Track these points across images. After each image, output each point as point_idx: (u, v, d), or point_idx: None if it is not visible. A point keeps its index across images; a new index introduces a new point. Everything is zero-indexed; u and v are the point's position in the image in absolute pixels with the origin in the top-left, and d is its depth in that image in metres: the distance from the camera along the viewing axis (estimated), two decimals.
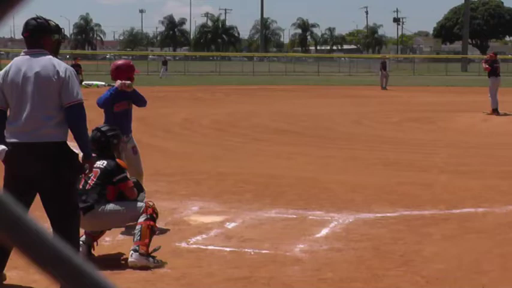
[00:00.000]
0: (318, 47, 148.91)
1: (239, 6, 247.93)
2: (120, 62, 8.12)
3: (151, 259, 5.97)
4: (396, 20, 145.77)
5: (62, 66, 5.16)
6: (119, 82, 7.54)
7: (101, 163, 6.26)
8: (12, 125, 5.13)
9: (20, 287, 5.43)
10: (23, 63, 5.18)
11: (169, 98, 28.14)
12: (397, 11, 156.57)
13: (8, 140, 5.14)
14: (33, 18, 5.31)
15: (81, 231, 6.37)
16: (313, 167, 11.59)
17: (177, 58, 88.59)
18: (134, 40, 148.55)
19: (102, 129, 6.61)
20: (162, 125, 17.82)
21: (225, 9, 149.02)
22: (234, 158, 12.71)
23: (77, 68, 28.04)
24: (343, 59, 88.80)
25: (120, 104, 7.53)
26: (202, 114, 21.36)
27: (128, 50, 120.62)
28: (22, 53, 5.29)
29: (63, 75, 5.11)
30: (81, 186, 6.16)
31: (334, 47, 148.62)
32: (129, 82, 7.51)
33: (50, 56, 5.22)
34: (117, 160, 6.45)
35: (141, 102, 7.70)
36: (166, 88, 33.20)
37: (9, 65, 5.30)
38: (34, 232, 0.63)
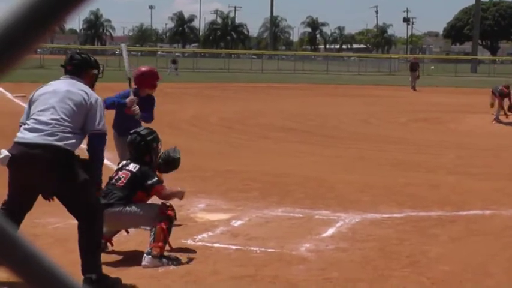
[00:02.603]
0: (327, 46, 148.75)
1: (249, 3, 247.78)
2: (144, 68, 8.03)
3: (164, 260, 5.96)
4: (406, 20, 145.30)
5: (94, 96, 5.43)
6: (130, 100, 7.43)
7: (133, 166, 6.26)
8: (27, 127, 5.22)
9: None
10: (57, 83, 5.49)
11: (177, 95, 28.14)
12: (407, 10, 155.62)
13: (16, 140, 5.20)
14: (78, 53, 5.69)
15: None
16: (320, 166, 11.58)
17: (186, 55, 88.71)
18: (143, 36, 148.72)
19: (142, 132, 6.50)
20: (170, 121, 17.83)
21: (235, 7, 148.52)
22: (241, 155, 12.71)
23: None
24: (352, 58, 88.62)
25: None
26: (210, 112, 21.36)
27: (137, 46, 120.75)
28: (61, 78, 5.57)
29: (92, 102, 5.35)
30: (112, 181, 6.20)
31: (344, 46, 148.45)
32: (137, 110, 7.39)
33: (85, 85, 5.49)
34: (156, 171, 6.41)
35: (146, 120, 7.61)
36: (174, 85, 33.18)
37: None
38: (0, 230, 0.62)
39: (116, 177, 6.26)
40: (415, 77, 38.47)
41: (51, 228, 7.07)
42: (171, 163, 6.81)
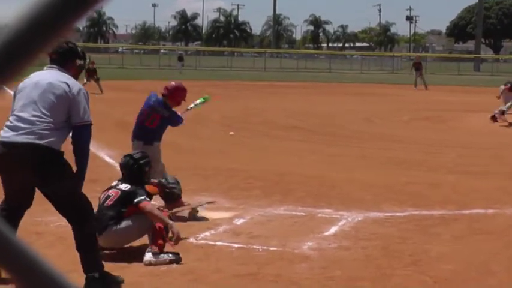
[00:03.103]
0: (330, 44, 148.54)
1: (252, 1, 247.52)
2: (179, 84, 8.42)
3: (165, 256, 6.01)
4: (409, 18, 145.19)
5: (76, 87, 5.27)
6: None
7: (124, 186, 6.33)
8: (9, 124, 5.12)
9: None
10: (40, 74, 5.33)
11: None
12: (410, 9, 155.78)
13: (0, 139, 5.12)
14: (65, 42, 5.46)
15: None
16: (323, 165, 11.57)
17: (189, 53, 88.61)
18: (146, 34, 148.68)
19: (135, 156, 6.66)
20: None
21: (238, 5, 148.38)
22: (243, 154, 12.70)
23: (93, 72, 27.87)
24: (355, 56, 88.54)
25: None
26: (212, 110, 21.33)
27: (139, 44, 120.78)
28: (44, 68, 5.44)
29: (75, 94, 5.21)
30: (100, 202, 6.26)
31: (346, 45, 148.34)
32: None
33: (69, 76, 5.35)
34: (146, 187, 6.53)
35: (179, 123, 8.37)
36: None
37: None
38: None
39: (105, 196, 6.33)
40: (418, 76, 38.46)
41: (53, 227, 7.07)
42: (171, 196, 6.97)
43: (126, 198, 6.23)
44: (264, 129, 16.81)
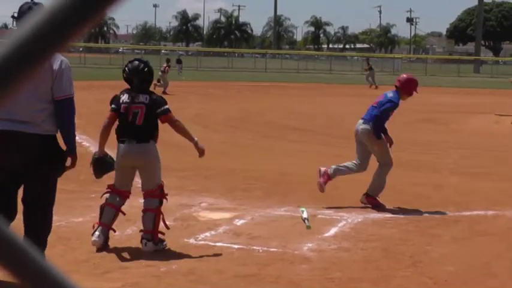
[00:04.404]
0: (331, 45, 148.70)
1: (253, 2, 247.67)
2: (409, 75, 9.37)
3: (160, 244, 6.26)
4: (409, 20, 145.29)
5: (57, 59, 5.01)
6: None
7: (144, 98, 6.31)
8: (1, 113, 4.94)
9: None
10: None
11: (181, 93, 28.11)
12: (410, 10, 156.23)
13: None
14: (27, 2, 5.16)
15: (95, 222, 6.38)
16: (324, 165, 11.52)
17: (190, 53, 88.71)
18: (147, 34, 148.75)
19: (143, 59, 6.67)
20: None
21: (239, 6, 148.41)
22: (244, 154, 12.68)
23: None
24: (355, 57, 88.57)
25: None
26: (214, 110, 21.36)
27: (140, 44, 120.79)
28: None
29: (56, 68, 5.00)
30: (129, 118, 6.22)
31: (347, 46, 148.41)
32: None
33: None
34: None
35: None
36: (178, 83, 33.16)
37: None
38: None
39: (131, 113, 6.25)
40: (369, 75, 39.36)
41: (53, 227, 7.03)
42: (105, 165, 6.48)
43: (151, 111, 6.25)
44: (265, 130, 16.80)
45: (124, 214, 6.46)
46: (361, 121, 8.74)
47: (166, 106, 6.38)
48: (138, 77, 6.37)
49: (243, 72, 55.34)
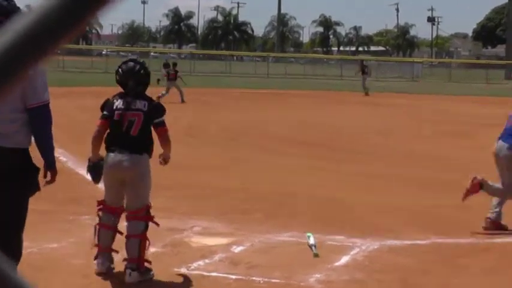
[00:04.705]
0: (342, 48, 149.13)
1: None
2: None
3: (147, 274, 6.23)
4: (431, 20, 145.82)
5: None
6: None
7: (141, 104, 6.34)
8: None
9: None
10: None
11: (172, 101, 28.13)
12: (431, 9, 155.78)
13: None
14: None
15: (93, 245, 6.32)
16: (334, 185, 11.52)
17: (183, 56, 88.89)
18: (134, 34, 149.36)
19: (139, 60, 6.76)
20: None
21: (238, 3, 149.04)
22: (244, 171, 12.67)
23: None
24: (369, 62, 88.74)
25: None
26: (209, 121, 21.36)
27: (126, 46, 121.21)
28: None
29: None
30: (123, 128, 6.23)
31: (360, 48, 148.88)
32: None
33: None
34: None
35: None
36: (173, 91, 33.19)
37: None
38: None
39: (126, 122, 6.27)
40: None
41: (23, 254, 6.97)
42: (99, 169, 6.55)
43: (150, 118, 6.31)
44: (267, 144, 16.79)
45: (121, 234, 6.43)
46: (503, 144, 8.79)
47: (164, 117, 6.45)
48: (134, 80, 6.41)
49: (242, 78, 55.46)
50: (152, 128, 6.40)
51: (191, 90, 37.03)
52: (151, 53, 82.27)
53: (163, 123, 6.42)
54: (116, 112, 6.30)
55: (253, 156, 14.68)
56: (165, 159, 6.60)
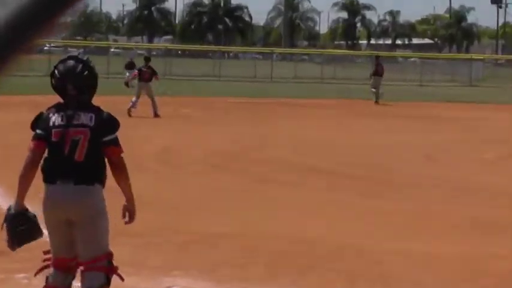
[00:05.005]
0: (373, 41, 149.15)
1: None
2: None
3: None
4: (496, 1, 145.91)
5: None
6: None
7: (86, 117, 6.35)
8: None
9: None
10: None
11: (140, 115, 28.19)
12: None
13: None
14: None
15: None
16: (359, 228, 11.57)
17: (154, 53, 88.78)
18: (88, 23, 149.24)
19: (81, 57, 6.71)
20: (130, 156, 17.71)
21: None
22: (237, 209, 12.69)
23: None
24: (411, 59, 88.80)
25: None
26: (190, 142, 21.36)
27: (78, 40, 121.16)
28: None
29: None
30: (65, 153, 6.24)
31: (399, 42, 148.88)
32: None
33: None
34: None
35: None
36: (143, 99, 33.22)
37: None
38: None
39: (68, 142, 6.29)
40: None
41: None
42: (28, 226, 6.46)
43: (99, 135, 6.34)
44: (270, 172, 16.82)
45: None
46: None
47: (117, 133, 6.46)
48: (75, 85, 6.40)
49: (236, 83, 55.48)
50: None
51: (167, 99, 37.05)
52: (112, 49, 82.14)
53: (115, 142, 6.40)
54: (54, 130, 6.28)
55: (250, 189, 14.70)
56: (130, 213, 6.62)
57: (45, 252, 6.47)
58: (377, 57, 45.10)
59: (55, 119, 6.32)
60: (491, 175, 17.38)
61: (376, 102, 39.35)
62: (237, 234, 10.81)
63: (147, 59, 31.41)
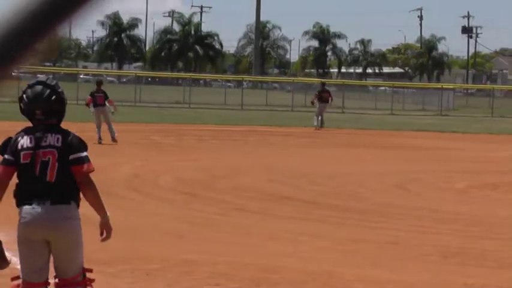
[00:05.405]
0: (344, 70, 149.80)
1: (223, 2, 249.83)
2: None
3: None
4: (467, 31, 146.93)
5: None
6: None
7: (53, 139, 6.39)
8: None
9: None
10: None
11: (109, 142, 28.17)
12: (468, 15, 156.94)
13: None
14: None
15: None
16: (330, 256, 11.59)
17: (124, 80, 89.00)
18: (57, 49, 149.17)
19: (49, 82, 6.77)
20: (99, 184, 17.73)
21: (201, 7, 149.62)
22: (208, 238, 12.69)
23: None
24: (382, 88, 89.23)
25: None
26: (161, 169, 21.36)
27: (46, 66, 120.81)
28: None
29: None
30: (36, 174, 6.27)
31: (369, 70, 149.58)
32: None
33: None
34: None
35: None
36: (104, 126, 33.21)
37: None
38: None
39: (38, 164, 6.32)
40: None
41: None
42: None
43: (66, 156, 6.37)
44: (240, 201, 16.82)
45: None
46: None
47: (85, 153, 6.50)
48: (43, 110, 6.47)
49: (206, 110, 55.54)
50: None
51: (136, 126, 37.11)
52: (81, 75, 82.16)
53: (81, 160, 6.45)
54: (23, 153, 6.35)
55: (221, 218, 14.71)
56: (107, 229, 6.63)
57: (14, 278, 6.44)
58: (323, 84, 46.16)
59: (23, 142, 6.39)
60: (463, 204, 17.47)
61: (318, 128, 40.47)
62: (207, 261, 10.81)
63: (99, 83, 31.16)
